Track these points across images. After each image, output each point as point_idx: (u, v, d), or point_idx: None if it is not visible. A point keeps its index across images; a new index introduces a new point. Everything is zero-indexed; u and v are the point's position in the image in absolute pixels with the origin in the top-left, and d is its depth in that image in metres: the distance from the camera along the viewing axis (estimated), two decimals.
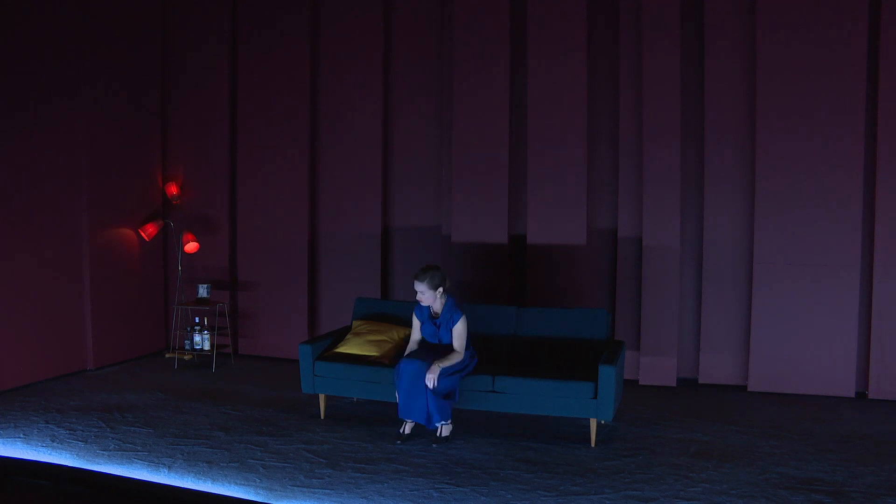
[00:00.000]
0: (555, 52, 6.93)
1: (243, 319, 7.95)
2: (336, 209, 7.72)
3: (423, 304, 5.29)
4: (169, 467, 4.70)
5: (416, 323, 5.44)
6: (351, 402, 6.14)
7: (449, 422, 5.17)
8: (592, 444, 5.11)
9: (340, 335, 6.06)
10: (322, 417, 5.70)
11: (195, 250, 7.67)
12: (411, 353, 5.28)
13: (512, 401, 5.23)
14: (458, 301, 5.44)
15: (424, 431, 5.26)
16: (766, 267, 6.43)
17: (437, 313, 5.33)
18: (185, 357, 7.43)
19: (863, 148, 6.21)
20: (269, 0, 7.71)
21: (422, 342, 5.42)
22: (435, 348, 5.30)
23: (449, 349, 5.25)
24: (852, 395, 6.32)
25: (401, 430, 5.25)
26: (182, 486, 4.46)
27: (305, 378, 5.70)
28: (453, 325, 5.23)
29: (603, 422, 5.43)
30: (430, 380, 5.00)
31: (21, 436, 5.25)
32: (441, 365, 5.05)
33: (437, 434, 5.18)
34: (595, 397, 5.04)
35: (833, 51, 6.22)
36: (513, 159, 7.16)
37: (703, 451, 4.98)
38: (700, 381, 6.77)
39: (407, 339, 5.85)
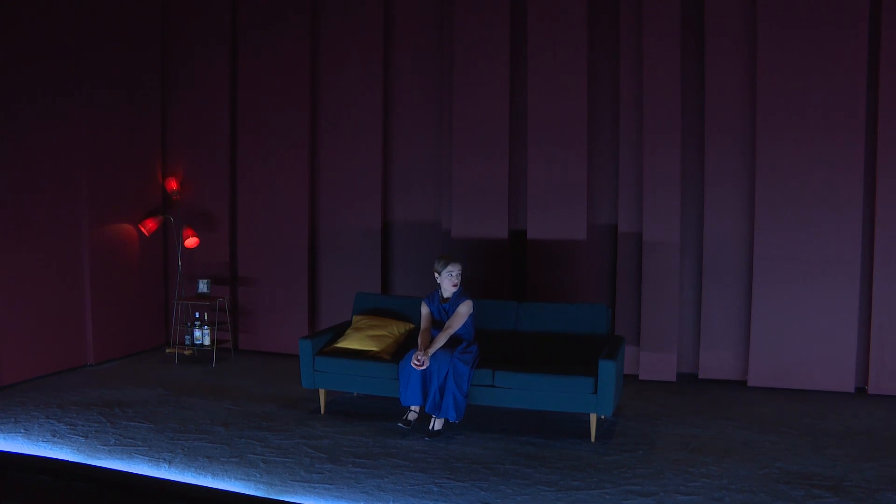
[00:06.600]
0: (555, 47, 6.92)
1: (243, 315, 7.95)
2: (336, 204, 7.71)
3: (455, 286, 5.43)
4: (169, 462, 4.70)
5: (425, 312, 5.53)
6: (351, 397, 6.15)
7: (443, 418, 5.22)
8: (592, 440, 5.12)
9: (340, 330, 6.07)
10: (322, 412, 5.71)
11: (195, 245, 7.67)
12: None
13: (512, 396, 5.24)
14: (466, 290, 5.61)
15: (423, 426, 5.27)
16: (767, 263, 6.43)
17: (447, 298, 5.46)
18: (186, 352, 7.44)
19: (863, 144, 6.21)
20: None
21: (432, 324, 5.53)
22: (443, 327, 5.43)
23: (455, 340, 5.35)
24: (852, 390, 6.33)
25: (406, 417, 5.30)
26: (182, 480, 4.46)
27: (305, 373, 5.71)
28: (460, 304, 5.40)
29: (603, 417, 5.44)
30: (417, 365, 5.12)
31: (22, 431, 5.25)
32: (431, 350, 5.18)
33: (430, 427, 5.20)
34: (595, 392, 5.05)
35: (834, 49, 6.21)
36: (513, 154, 7.16)
37: (703, 447, 4.99)
38: (700, 377, 6.78)
39: (408, 333, 5.88)
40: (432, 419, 5.22)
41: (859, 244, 6.25)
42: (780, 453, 4.85)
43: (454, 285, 5.44)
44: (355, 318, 6.08)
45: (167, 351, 7.56)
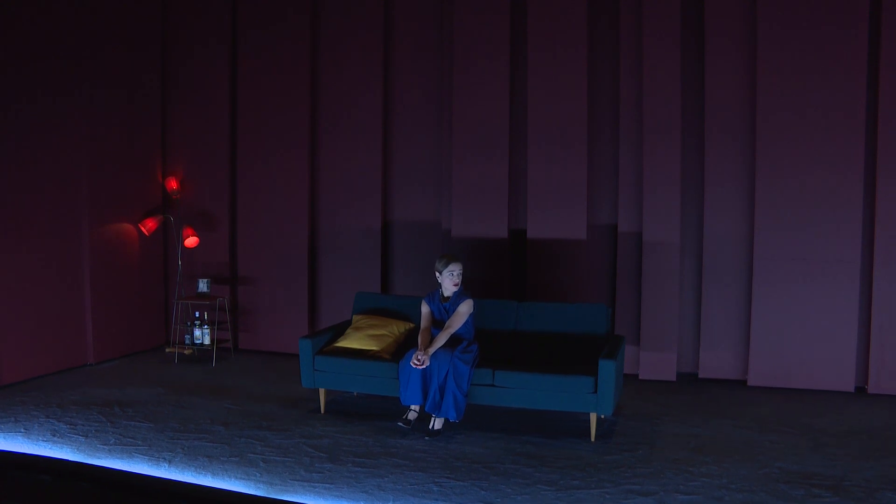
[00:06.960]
0: (555, 47, 6.92)
1: (243, 314, 7.95)
2: (336, 204, 7.72)
3: (456, 286, 5.43)
4: (169, 462, 4.70)
5: (425, 311, 5.53)
6: (351, 396, 6.15)
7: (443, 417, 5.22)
8: (592, 439, 5.12)
9: (340, 330, 6.07)
10: (322, 412, 5.71)
11: (195, 245, 7.67)
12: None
13: (512, 395, 5.24)
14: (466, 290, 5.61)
15: (423, 426, 5.27)
16: (767, 263, 6.43)
17: (448, 297, 5.46)
18: (186, 352, 7.44)
19: (863, 144, 6.21)
20: None
21: (432, 323, 5.52)
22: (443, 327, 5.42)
23: (455, 339, 5.36)
24: (852, 389, 6.33)
25: (406, 417, 5.30)
26: (182, 480, 4.47)
27: (305, 372, 5.71)
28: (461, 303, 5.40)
29: (603, 416, 5.44)
30: (417, 364, 5.12)
31: (22, 430, 5.25)
32: (431, 350, 5.18)
33: (430, 427, 5.20)
34: (595, 392, 5.05)
35: (834, 49, 6.21)
36: (513, 154, 7.16)
37: (703, 446, 4.99)
38: (700, 376, 6.78)
39: (408, 333, 5.88)
40: (432, 418, 5.22)
41: (859, 244, 6.26)
42: (780, 453, 4.85)
43: (455, 284, 5.44)
44: (355, 317, 6.08)
45: (167, 350, 7.56)
